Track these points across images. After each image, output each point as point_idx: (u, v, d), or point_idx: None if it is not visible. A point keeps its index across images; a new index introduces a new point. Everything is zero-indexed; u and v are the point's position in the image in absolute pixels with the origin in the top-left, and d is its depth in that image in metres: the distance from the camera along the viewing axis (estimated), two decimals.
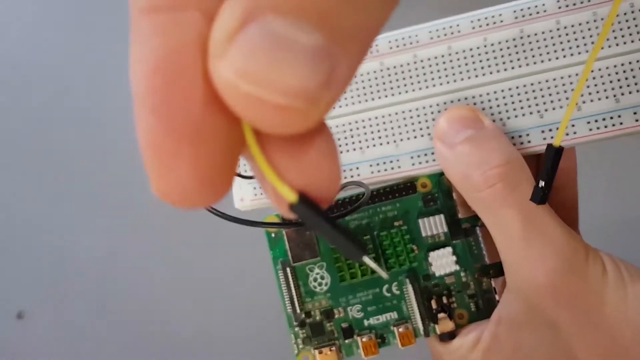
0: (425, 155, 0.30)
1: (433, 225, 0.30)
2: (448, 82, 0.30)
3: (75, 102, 0.56)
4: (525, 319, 0.27)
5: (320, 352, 0.30)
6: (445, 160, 0.28)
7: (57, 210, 0.54)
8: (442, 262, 0.30)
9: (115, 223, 0.54)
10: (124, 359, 0.53)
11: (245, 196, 0.32)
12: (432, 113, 0.30)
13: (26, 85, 0.56)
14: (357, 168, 0.31)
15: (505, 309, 0.28)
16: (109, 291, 0.53)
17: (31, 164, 0.55)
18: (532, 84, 0.29)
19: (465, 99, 0.30)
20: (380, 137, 0.31)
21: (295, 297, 0.30)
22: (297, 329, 0.30)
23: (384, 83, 0.31)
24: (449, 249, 0.30)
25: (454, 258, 0.30)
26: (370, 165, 0.31)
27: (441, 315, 0.30)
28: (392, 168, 0.31)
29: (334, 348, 0.30)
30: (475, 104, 0.30)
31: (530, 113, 0.29)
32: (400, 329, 0.30)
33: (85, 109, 0.56)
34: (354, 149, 0.31)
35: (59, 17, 0.58)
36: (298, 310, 0.30)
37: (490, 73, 0.29)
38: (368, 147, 0.31)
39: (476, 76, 0.29)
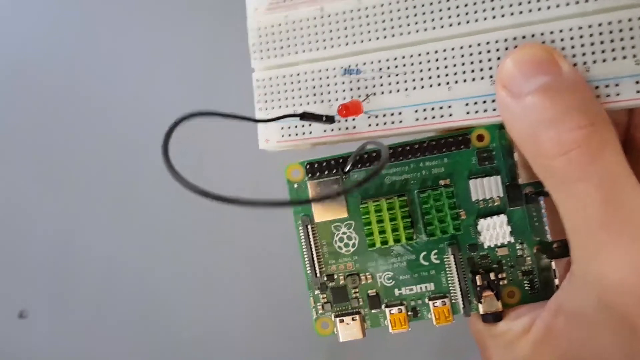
0: (484, 102, 0.25)
1: (487, 188, 0.25)
2: (521, 12, 0.24)
3: (76, 102, 0.54)
4: (595, 317, 0.21)
5: (342, 321, 0.26)
6: (509, 113, 0.23)
7: (58, 210, 0.54)
8: (495, 231, 0.25)
9: (117, 222, 0.53)
10: (126, 358, 0.52)
11: (271, 137, 0.28)
12: (497, 51, 0.25)
13: (26, 86, 0.55)
14: (400, 113, 0.26)
15: (568, 299, 0.23)
16: (111, 291, 0.53)
17: (32, 163, 0.54)
18: (629, 19, 0.22)
19: (542, 34, 0.24)
20: (430, 78, 0.26)
21: (315, 257, 0.26)
22: (317, 292, 0.27)
23: (440, 10, 0.25)
24: (504, 217, 0.25)
25: (509, 228, 0.25)
26: (416, 111, 0.26)
27: (487, 292, 0.25)
28: (442, 116, 0.25)
29: (357, 317, 0.26)
30: (553, 42, 0.23)
31: (624, 57, 0.22)
32: (437, 304, 0.26)
33: (86, 108, 0.54)
34: (397, 90, 0.26)
35: (59, 17, 0.56)
36: (319, 273, 0.26)
37: (577, 2, 0.23)
38: (415, 88, 0.26)
39: (557, 6, 0.23)
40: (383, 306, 0.26)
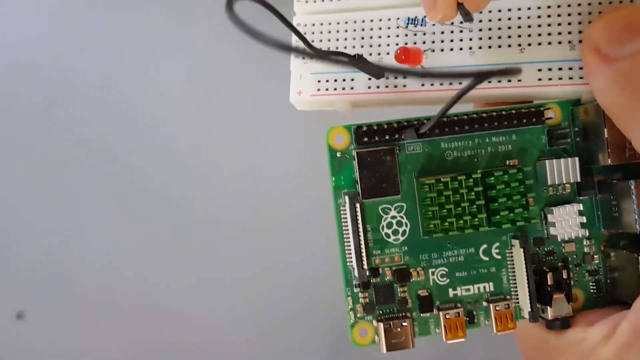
0: (560, 69, 0.22)
1: (564, 171, 0.22)
2: None
3: (77, 103, 0.55)
4: None
5: (387, 327, 0.21)
6: (603, 80, 0.19)
7: (57, 211, 0.54)
8: (566, 223, 0.22)
9: (116, 223, 0.53)
10: (125, 358, 0.53)
11: (305, 88, 0.23)
12: (578, 15, 0.21)
13: (27, 86, 0.55)
14: None
15: None
16: (108, 291, 0.53)
17: (31, 164, 0.54)
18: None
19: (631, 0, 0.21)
20: (500, 38, 0.22)
21: (361, 244, 0.21)
22: (356, 290, 0.21)
23: None
24: (577, 207, 0.22)
25: (583, 219, 0.22)
26: None
27: (557, 294, 0.21)
28: (509, 80, 0.22)
29: (406, 322, 0.21)
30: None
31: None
32: (498, 307, 0.22)
33: (87, 109, 0.54)
34: (460, 49, 0.22)
35: (60, 16, 0.56)
36: (363, 265, 0.21)
37: None
38: (481, 47, 0.22)
39: None
40: (435, 309, 0.21)
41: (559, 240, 0.22)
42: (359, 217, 0.21)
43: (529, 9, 0.22)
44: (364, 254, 0.20)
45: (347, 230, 0.21)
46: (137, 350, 0.52)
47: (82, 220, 0.53)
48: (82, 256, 0.53)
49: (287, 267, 0.49)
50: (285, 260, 0.50)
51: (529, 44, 0.22)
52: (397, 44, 0.23)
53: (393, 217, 0.21)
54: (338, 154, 0.21)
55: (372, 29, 0.23)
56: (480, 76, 0.16)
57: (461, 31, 0.22)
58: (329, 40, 0.23)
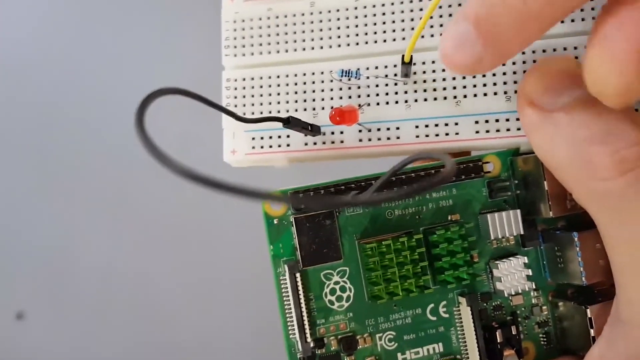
0: (497, 121, 0.21)
1: (506, 224, 0.21)
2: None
3: (76, 104, 0.55)
4: None
5: None
6: (542, 134, 0.19)
7: (57, 211, 0.55)
8: (512, 277, 0.21)
9: (115, 225, 0.54)
10: (124, 359, 0.53)
11: (239, 147, 0.22)
12: (513, 64, 0.21)
13: (27, 86, 0.56)
14: (398, 128, 0.22)
15: (612, 349, 0.19)
16: (108, 292, 0.53)
17: (32, 165, 0.55)
18: None
19: (565, 49, 0.21)
20: (435, 90, 0.22)
21: (303, 316, 0.20)
22: None
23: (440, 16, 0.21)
24: (522, 259, 0.21)
25: (529, 272, 0.21)
26: (416, 127, 0.21)
27: (508, 351, 0.21)
28: (447, 134, 0.21)
29: None
30: (577, 57, 0.21)
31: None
32: None
33: (86, 110, 0.55)
34: (396, 102, 0.22)
35: (60, 16, 0.57)
36: (307, 337, 0.20)
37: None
38: (417, 100, 0.21)
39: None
40: None
41: (506, 295, 0.21)
42: (300, 288, 0.19)
43: None
44: (307, 327, 0.19)
45: (289, 301, 0.20)
46: (136, 350, 0.53)
47: (81, 220, 0.54)
48: (82, 257, 0.54)
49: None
50: None
51: (465, 96, 0.21)
52: (331, 98, 0.22)
53: (336, 283, 0.20)
54: (275, 221, 0.20)
55: (305, 83, 0.22)
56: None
57: (395, 84, 0.22)
58: (261, 95, 0.22)
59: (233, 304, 0.52)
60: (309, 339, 0.20)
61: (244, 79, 0.23)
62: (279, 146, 0.22)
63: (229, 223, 0.52)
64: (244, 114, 0.22)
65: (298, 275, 0.20)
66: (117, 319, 0.53)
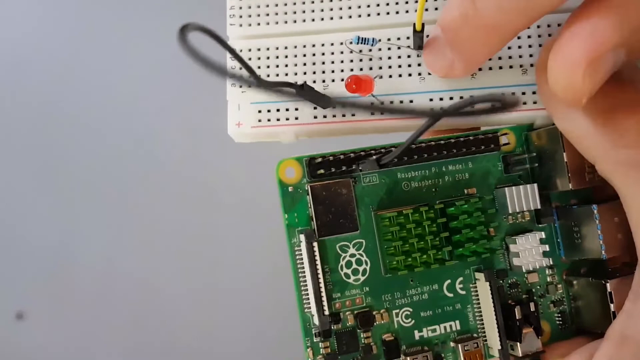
0: (513, 94, 0.21)
1: (523, 199, 0.21)
2: None
3: (77, 103, 0.55)
4: None
5: None
6: (559, 103, 0.19)
7: (57, 211, 0.54)
8: (529, 253, 0.21)
9: (115, 224, 0.54)
10: (123, 359, 0.53)
11: (244, 119, 0.21)
12: (528, 38, 0.21)
13: (27, 86, 0.56)
14: (411, 101, 0.21)
15: (635, 324, 0.19)
16: (108, 292, 0.53)
17: (30, 165, 0.55)
18: None
19: None
20: None
21: (320, 287, 0.19)
22: (316, 340, 0.19)
23: None
24: (538, 235, 0.21)
25: (545, 247, 0.21)
26: (430, 100, 0.21)
27: (526, 329, 0.20)
28: None
29: None
30: None
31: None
32: (467, 347, 0.20)
33: (87, 110, 0.55)
34: (409, 75, 0.21)
35: (61, 16, 0.57)
36: (324, 311, 0.19)
37: None
38: (430, 73, 0.21)
39: None
40: (402, 355, 0.20)
41: (524, 271, 0.21)
42: (317, 258, 0.18)
43: None
44: (324, 299, 0.18)
45: (304, 273, 0.19)
46: (136, 350, 0.52)
47: (82, 220, 0.54)
48: (82, 257, 0.54)
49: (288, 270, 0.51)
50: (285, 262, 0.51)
51: (480, 69, 0.21)
52: (342, 70, 0.21)
53: (352, 255, 0.19)
54: (290, 189, 0.19)
55: (314, 55, 0.21)
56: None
57: (409, 56, 0.21)
58: (268, 67, 0.21)
59: (234, 304, 0.52)
60: (326, 312, 0.18)
61: (249, 50, 0.22)
62: (287, 119, 0.21)
63: (229, 223, 0.52)
64: (250, 86, 0.21)
65: (315, 244, 0.19)
66: (117, 319, 0.52)
